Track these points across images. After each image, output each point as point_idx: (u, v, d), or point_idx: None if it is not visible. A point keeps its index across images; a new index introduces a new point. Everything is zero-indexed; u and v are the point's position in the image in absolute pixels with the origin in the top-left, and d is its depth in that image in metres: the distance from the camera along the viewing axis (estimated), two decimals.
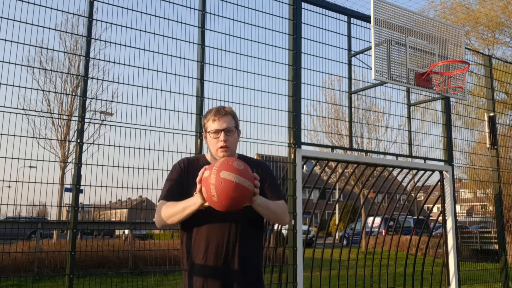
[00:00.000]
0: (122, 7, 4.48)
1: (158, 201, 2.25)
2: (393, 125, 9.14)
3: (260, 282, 2.27)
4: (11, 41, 3.93)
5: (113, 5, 4.47)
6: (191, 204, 2.04)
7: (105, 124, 5.04)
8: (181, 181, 2.25)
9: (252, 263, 2.22)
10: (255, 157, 2.82)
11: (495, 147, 7.40)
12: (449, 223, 6.32)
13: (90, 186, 4.20)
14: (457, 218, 6.69)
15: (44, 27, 4.11)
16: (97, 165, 4.19)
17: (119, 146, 4.27)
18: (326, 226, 7.85)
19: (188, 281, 2.20)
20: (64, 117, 12.04)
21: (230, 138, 2.24)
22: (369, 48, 5.75)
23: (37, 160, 3.98)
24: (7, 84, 3.87)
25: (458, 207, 8.82)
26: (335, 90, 13.40)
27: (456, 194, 6.72)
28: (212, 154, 2.30)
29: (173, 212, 2.11)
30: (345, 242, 18.45)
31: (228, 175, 1.87)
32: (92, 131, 7.41)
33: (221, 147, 2.22)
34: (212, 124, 2.24)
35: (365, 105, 14.67)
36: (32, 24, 4.02)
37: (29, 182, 3.91)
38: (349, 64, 6.01)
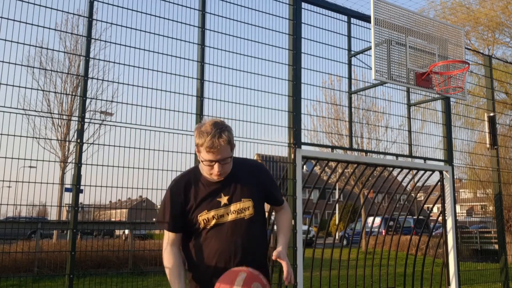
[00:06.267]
0: (122, 7, 4.48)
1: (161, 228, 2.26)
2: (393, 125, 9.14)
3: (267, 276, 2.33)
4: (11, 41, 3.93)
5: (113, 5, 4.47)
6: None
7: (105, 124, 5.04)
8: (183, 206, 2.20)
9: (257, 262, 2.26)
10: (254, 157, 2.83)
11: (495, 147, 7.40)
12: (449, 223, 6.32)
13: (90, 186, 4.20)
14: (457, 218, 6.69)
15: (44, 27, 4.11)
16: (97, 165, 4.19)
17: (119, 146, 4.27)
18: (326, 226, 7.85)
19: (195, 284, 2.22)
20: (64, 117, 12.04)
21: (224, 166, 2.14)
22: (369, 48, 5.75)
23: (37, 160, 3.98)
24: (7, 84, 3.87)
25: (458, 207, 8.81)
26: (335, 90, 13.37)
27: (456, 194, 6.71)
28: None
29: (167, 274, 2.19)
30: (345, 242, 18.44)
31: None
32: (92, 131, 7.42)
33: (216, 175, 2.16)
34: (206, 154, 2.09)
35: (365, 105, 14.68)
36: (32, 24, 4.02)
37: (29, 182, 3.91)
38: (349, 64, 6.00)
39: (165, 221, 2.20)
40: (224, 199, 2.20)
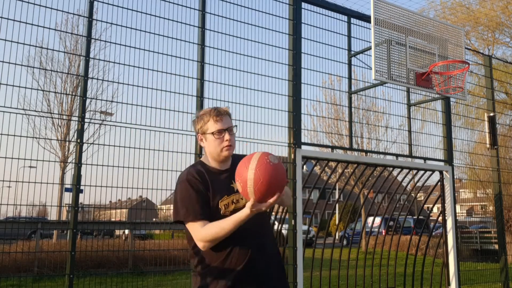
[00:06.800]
0: (122, 7, 4.48)
1: (190, 221, 2.14)
2: (393, 125, 9.15)
3: (284, 274, 2.34)
4: (11, 41, 3.93)
5: (113, 5, 4.47)
6: (242, 216, 2.02)
7: (105, 124, 5.03)
8: (205, 192, 2.19)
9: (275, 260, 2.28)
10: None
11: (495, 147, 7.40)
12: (449, 223, 6.32)
13: (90, 186, 4.20)
14: (457, 218, 6.69)
15: (44, 27, 4.11)
16: (97, 165, 4.19)
17: (119, 146, 4.27)
18: (326, 226, 7.86)
19: (205, 282, 2.19)
20: (64, 117, 12.04)
21: (232, 137, 2.27)
22: (369, 48, 5.75)
23: (37, 160, 3.98)
24: (7, 84, 3.87)
25: (458, 207, 8.82)
26: (335, 90, 13.38)
27: (456, 194, 6.71)
28: (212, 156, 2.28)
29: (224, 233, 2.07)
30: (345, 242, 18.44)
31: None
32: (92, 131, 7.40)
33: (226, 146, 2.24)
34: (214, 124, 2.23)
35: (365, 105, 14.68)
36: (32, 24, 4.02)
37: (29, 182, 3.91)
38: (349, 64, 6.00)
39: (197, 211, 2.13)
40: (236, 186, 2.23)
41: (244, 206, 2.11)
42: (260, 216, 2.19)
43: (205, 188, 2.19)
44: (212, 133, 2.23)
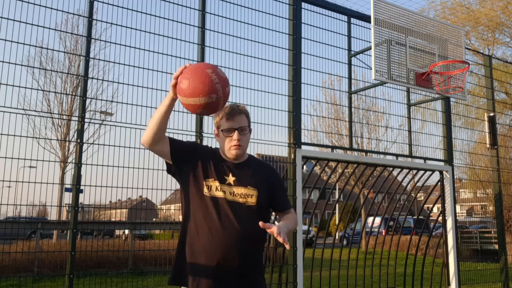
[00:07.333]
0: (122, 7, 4.48)
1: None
2: (393, 125, 9.16)
3: (262, 276, 2.33)
4: (11, 41, 3.93)
5: (113, 5, 4.47)
6: (165, 100, 2.11)
7: (105, 124, 5.03)
8: (194, 157, 2.30)
9: (255, 263, 2.26)
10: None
11: (495, 147, 7.40)
12: (449, 223, 6.32)
13: (90, 186, 4.20)
14: (457, 218, 6.69)
15: (44, 27, 4.11)
16: (97, 165, 4.19)
17: (119, 146, 4.27)
18: (326, 226, 7.85)
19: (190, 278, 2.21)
20: (64, 117, 12.04)
21: (243, 137, 2.26)
22: (369, 48, 5.75)
23: (37, 160, 3.98)
24: (7, 84, 3.87)
25: (458, 207, 8.82)
26: (335, 90, 13.38)
27: (456, 194, 6.71)
28: (223, 152, 2.32)
29: (154, 120, 2.18)
30: (345, 242, 18.45)
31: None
32: (92, 131, 7.40)
33: (234, 145, 2.24)
34: (225, 123, 2.24)
35: (365, 105, 14.68)
36: (32, 24, 4.02)
37: (29, 182, 3.91)
38: (349, 64, 6.00)
39: (176, 138, 2.34)
40: (230, 179, 2.26)
41: (227, 200, 2.20)
42: (249, 208, 2.21)
43: (197, 157, 2.29)
44: (222, 130, 2.26)
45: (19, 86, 4.02)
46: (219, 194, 2.22)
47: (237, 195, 2.23)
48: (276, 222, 2.59)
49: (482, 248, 14.96)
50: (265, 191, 2.29)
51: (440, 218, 6.46)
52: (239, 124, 2.24)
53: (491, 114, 7.52)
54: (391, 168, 6.34)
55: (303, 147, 5.26)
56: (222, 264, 2.15)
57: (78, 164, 4.10)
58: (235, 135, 2.23)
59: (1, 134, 3.81)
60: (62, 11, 4.25)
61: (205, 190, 2.23)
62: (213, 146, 2.45)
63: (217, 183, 2.24)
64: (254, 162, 2.38)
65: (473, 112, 9.26)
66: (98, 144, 4.51)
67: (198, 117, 4.67)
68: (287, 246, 1.95)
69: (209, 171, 2.26)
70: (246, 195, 2.25)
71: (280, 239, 1.96)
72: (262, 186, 2.29)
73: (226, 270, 2.16)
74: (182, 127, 4.52)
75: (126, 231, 13.88)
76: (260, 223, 1.98)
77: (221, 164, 2.29)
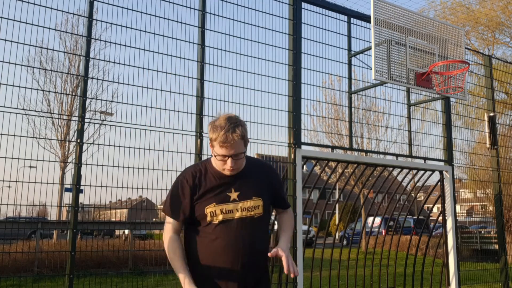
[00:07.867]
0: (122, 7, 4.48)
1: (166, 215, 2.22)
2: (393, 125, 9.16)
3: (267, 276, 2.34)
4: (11, 41, 3.93)
5: (113, 5, 4.47)
6: (180, 278, 2.11)
7: (105, 124, 5.04)
8: (190, 195, 2.18)
9: (261, 262, 2.27)
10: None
11: (495, 147, 7.39)
12: (449, 223, 6.32)
13: (90, 186, 4.20)
14: (457, 218, 6.69)
15: (44, 27, 4.11)
16: (97, 165, 4.19)
17: (119, 146, 4.27)
18: (326, 226, 7.86)
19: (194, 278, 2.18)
20: (64, 117, 12.04)
21: (238, 161, 2.14)
22: (369, 48, 5.75)
23: (37, 160, 3.98)
24: (7, 84, 3.87)
25: (458, 207, 8.82)
26: (335, 90, 13.41)
27: (456, 194, 6.71)
28: (217, 167, 2.23)
29: (169, 259, 2.18)
30: (345, 242, 18.46)
31: None
32: (92, 131, 7.42)
33: (228, 170, 2.15)
34: (219, 149, 2.09)
35: (365, 105, 14.70)
36: (32, 24, 4.02)
37: (29, 182, 3.91)
38: (349, 64, 6.00)
39: (171, 209, 2.19)
40: (234, 195, 2.18)
41: (237, 218, 2.14)
42: (258, 219, 2.21)
43: (192, 190, 2.18)
44: (215, 155, 2.14)
45: (19, 86, 4.03)
46: (228, 216, 2.15)
47: (244, 209, 2.17)
48: (276, 222, 2.59)
49: (482, 248, 14.97)
50: (268, 196, 2.27)
51: (440, 218, 6.46)
52: (234, 151, 2.09)
53: (491, 114, 7.52)
54: (391, 168, 6.34)
55: (303, 147, 5.26)
56: (240, 281, 2.15)
57: (78, 164, 4.10)
58: (229, 162, 2.11)
59: (1, 134, 3.81)
60: (62, 11, 4.25)
61: (208, 218, 2.15)
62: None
63: (220, 206, 2.15)
64: (251, 166, 2.29)
65: (473, 112, 9.27)
66: (98, 144, 4.52)
67: (198, 117, 4.67)
68: (292, 275, 2.03)
69: (205, 197, 2.17)
70: (253, 207, 2.19)
71: (292, 274, 2.04)
72: (265, 192, 2.26)
73: (244, 284, 2.17)
74: (182, 127, 4.52)
75: (126, 231, 13.88)
76: (269, 254, 2.06)
77: (218, 180, 2.19)
